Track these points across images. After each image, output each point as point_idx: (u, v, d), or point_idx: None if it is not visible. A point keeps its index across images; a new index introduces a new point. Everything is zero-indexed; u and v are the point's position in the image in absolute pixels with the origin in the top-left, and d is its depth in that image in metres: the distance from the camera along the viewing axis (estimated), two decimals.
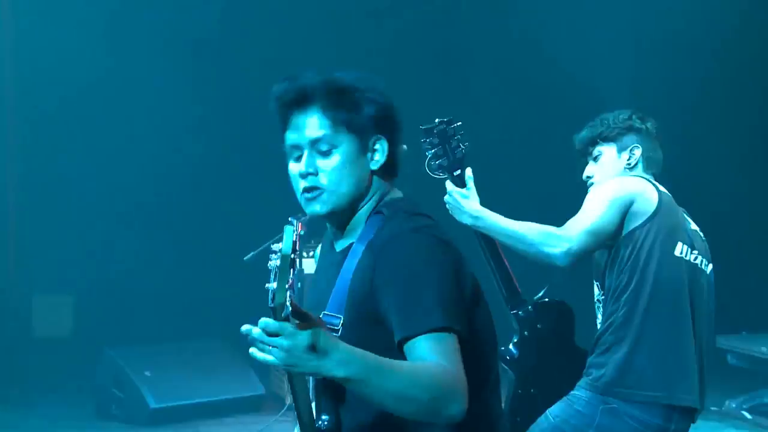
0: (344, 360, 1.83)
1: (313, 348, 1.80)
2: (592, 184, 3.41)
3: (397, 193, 2.22)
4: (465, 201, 3.33)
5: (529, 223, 3.20)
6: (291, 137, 2.15)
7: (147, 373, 6.54)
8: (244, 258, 5.68)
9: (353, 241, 2.15)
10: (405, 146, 2.31)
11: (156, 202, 7.95)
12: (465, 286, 2.07)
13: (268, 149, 8.37)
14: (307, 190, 2.13)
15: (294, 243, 1.84)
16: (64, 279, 7.84)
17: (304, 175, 2.12)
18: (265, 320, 1.80)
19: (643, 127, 3.41)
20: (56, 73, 7.71)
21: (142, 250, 7.97)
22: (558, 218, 3.27)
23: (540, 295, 3.73)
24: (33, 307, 7.70)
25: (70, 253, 7.81)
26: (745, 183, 8.39)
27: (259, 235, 5.72)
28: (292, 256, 1.82)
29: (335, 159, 2.11)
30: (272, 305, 1.81)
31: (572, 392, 3.27)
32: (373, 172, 2.16)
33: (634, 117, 3.43)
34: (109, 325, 7.52)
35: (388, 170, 2.19)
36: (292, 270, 1.82)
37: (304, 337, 1.80)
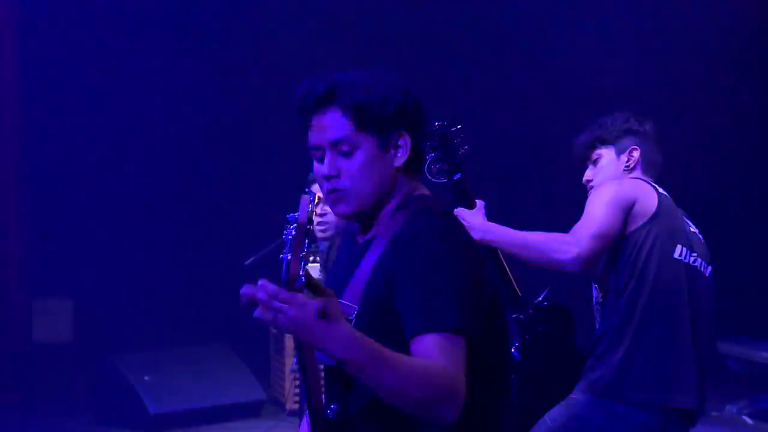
0: (345, 342, 1.82)
1: (317, 323, 1.79)
2: (592, 187, 3.41)
3: (423, 190, 2.21)
4: (472, 218, 3.32)
5: (536, 232, 3.20)
6: (313, 139, 2.14)
7: (147, 379, 6.53)
8: (245, 263, 5.67)
9: (376, 234, 2.15)
10: None
11: (156, 207, 7.95)
12: (484, 289, 2.07)
13: (270, 154, 8.40)
14: (330, 192, 2.12)
15: (310, 213, 1.84)
16: (64, 284, 7.84)
17: (327, 177, 2.12)
18: (271, 285, 1.78)
19: (642, 129, 3.42)
20: (58, 78, 7.72)
21: (143, 255, 7.97)
22: (559, 221, 3.27)
23: (540, 298, 3.73)
24: (33, 312, 7.69)
25: (70, 258, 7.81)
26: (747, 186, 8.39)
27: (260, 240, 5.72)
28: (308, 226, 1.83)
29: (357, 160, 2.09)
30: (286, 277, 1.81)
31: (570, 395, 3.27)
32: (397, 169, 2.14)
33: (632, 119, 3.43)
34: (109, 331, 7.52)
35: (413, 166, 2.17)
36: (306, 241, 1.82)
37: (311, 311, 1.78)
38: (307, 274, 1.81)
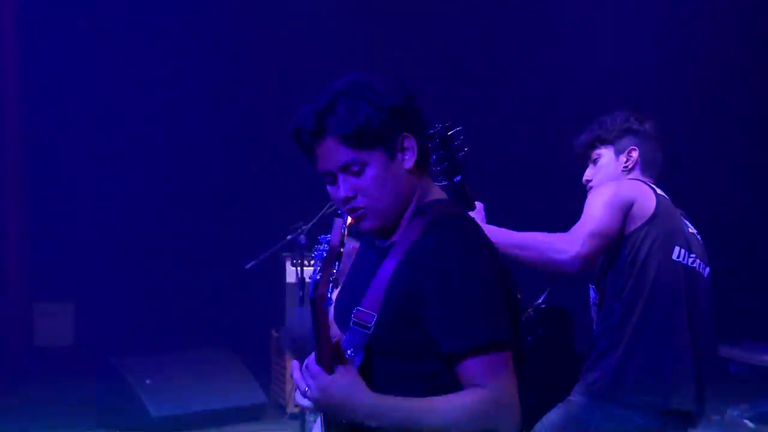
0: (373, 414, 1.91)
1: (342, 404, 1.90)
2: (591, 187, 3.41)
3: (436, 192, 2.21)
4: None
5: (534, 232, 3.19)
6: (320, 166, 2.14)
7: (148, 382, 6.53)
8: (245, 267, 5.68)
9: (394, 240, 2.14)
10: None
11: (157, 212, 7.96)
12: (510, 296, 2.08)
13: (270, 159, 8.37)
14: (350, 212, 2.12)
15: (342, 236, 1.88)
16: (65, 288, 7.84)
17: (344, 200, 2.12)
18: (309, 362, 1.93)
19: (641, 128, 3.40)
20: (59, 83, 7.74)
21: (144, 259, 7.98)
22: (560, 221, 3.26)
23: (540, 300, 3.73)
24: (34, 315, 7.70)
25: (71, 262, 7.82)
26: (748, 188, 8.38)
27: (261, 244, 5.73)
28: (340, 248, 1.86)
29: (369, 176, 2.09)
30: (312, 296, 1.84)
31: (568, 398, 3.26)
32: (408, 171, 2.14)
33: (631, 118, 3.42)
34: (111, 334, 7.53)
35: (421, 163, 2.16)
36: (337, 263, 1.86)
37: (333, 392, 1.90)
38: (337, 346, 1.91)
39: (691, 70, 8.31)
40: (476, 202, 3.39)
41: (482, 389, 1.93)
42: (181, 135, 8.05)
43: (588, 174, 3.45)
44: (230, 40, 8.22)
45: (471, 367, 1.94)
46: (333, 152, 2.09)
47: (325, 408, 1.94)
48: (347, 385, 1.90)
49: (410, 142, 2.13)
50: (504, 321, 1.99)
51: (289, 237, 5.59)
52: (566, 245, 3.08)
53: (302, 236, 5.52)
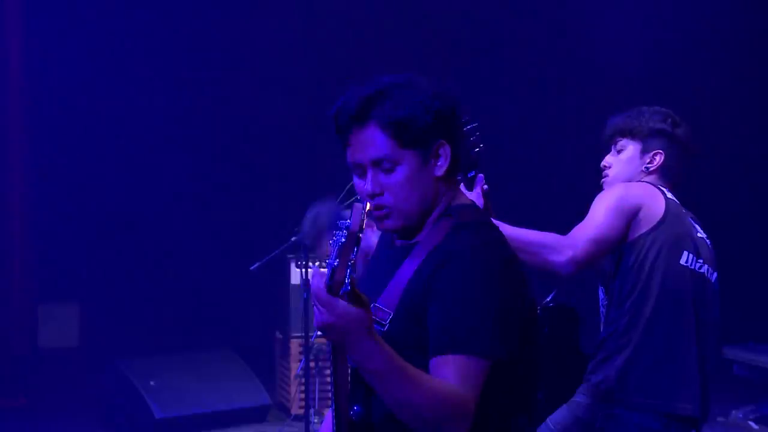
0: (371, 352, 1.85)
1: (348, 333, 1.83)
2: (606, 175, 3.39)
3: (463, 198, 2.21)
4: None
5: (533, 231, 3.17)
6: (352, 156, 2.13)
7: (152, 383, 6.54)
8: (250, 268, 5.69)
9: (417, 241, 2.14)
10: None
11: (162, 213, 7.96)
12: (522, 309, 2.07)
13: (275, 159, 8.33)
14: (375, 208, 2.11)
15: (362, 221, 1.85)
16: (70, 289, 7.85)
17: (371, 195, 2.11)
18: (318, 288, 1.84)
19: (674, 132, 3.35)
20: (60, 84, 7.74)
21: (149, 260, 7.98)
22: (565, 218, 3.26)
23: (548, 299, 3.73)
24: (38, 316, 7.70)
25: (76, 263, 7.82)
26: (754, 191, 8.37)
27: (265, 245, 5.74)
28: (359, 234, 1.84)
29: (399, 175, 2.08)
30: (330, 282, 1.82)
31: (573, 399, 3.26)
32: (437, 179, 2.13)
33: (669, 120, 3.36)
34: (115, 335, 7.53)
35: (452, 171, 2.16)
36: (356, 249, 1.83)
37: (345, 321, 1.82)
38: (353, 284, 1.83)
39: (696, 71, 8.29)
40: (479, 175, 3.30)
41: (454, 388, 1.90)
42: (186, 136, 8.05)
43: (607, 160, 3.41)
44: (235, 41, 8.23)
45: (446, 366, 1.93)
46: (370, 142, 2.08)
47: (331, 331, 1.85)
48: (360, 318, 1.84)
49: (445, 150, 2.12)
50: (496, 335, 1.96)
51: (293, 238, 5.59)
52: (563, 248, 3.06)
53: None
